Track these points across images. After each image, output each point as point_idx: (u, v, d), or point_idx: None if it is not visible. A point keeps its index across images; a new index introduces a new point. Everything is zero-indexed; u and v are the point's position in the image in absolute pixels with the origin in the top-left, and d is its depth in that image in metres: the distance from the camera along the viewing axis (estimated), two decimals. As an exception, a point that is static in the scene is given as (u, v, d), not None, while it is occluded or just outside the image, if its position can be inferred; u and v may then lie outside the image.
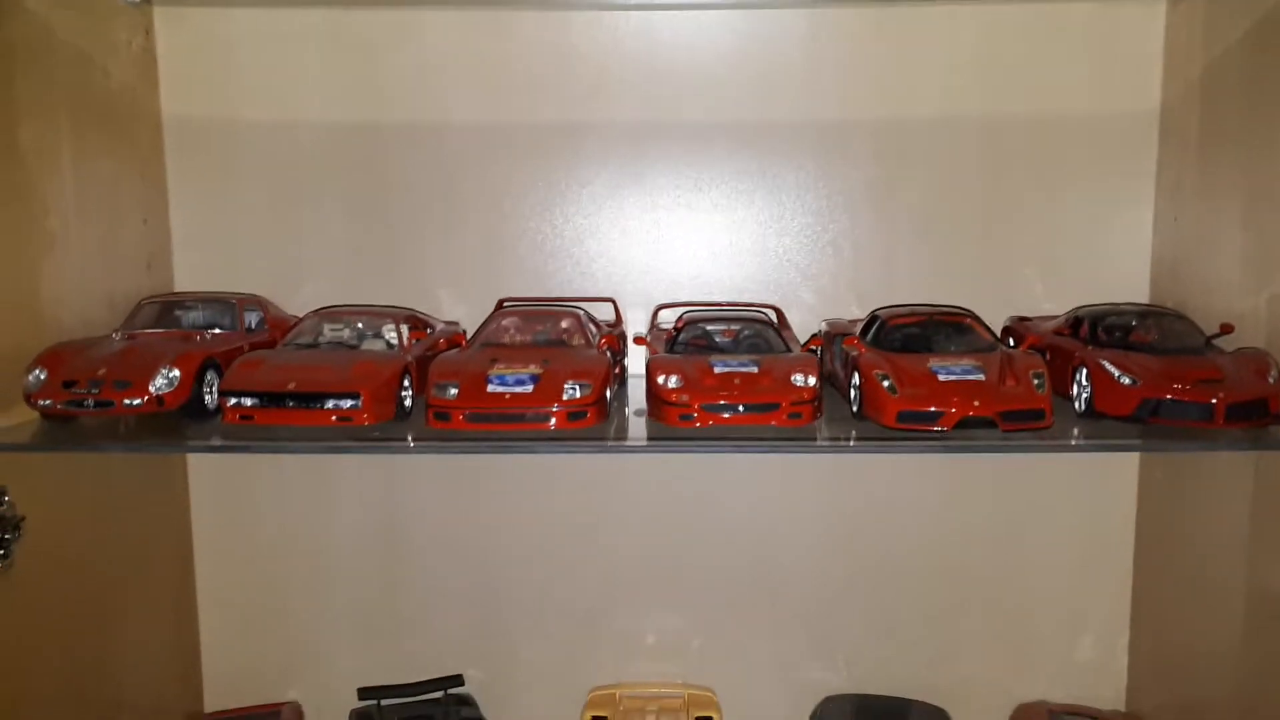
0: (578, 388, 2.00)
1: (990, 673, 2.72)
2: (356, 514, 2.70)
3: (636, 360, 2.30)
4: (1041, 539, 2.68)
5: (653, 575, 2.72)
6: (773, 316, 2.42)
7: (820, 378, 2.09)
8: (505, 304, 2.41)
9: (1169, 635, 2.52)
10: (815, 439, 2.08)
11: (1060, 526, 2.67)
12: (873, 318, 2.32)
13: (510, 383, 2.00)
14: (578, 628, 2.74)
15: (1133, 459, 2.62)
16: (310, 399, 1.95)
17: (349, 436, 1.99)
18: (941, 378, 2.03)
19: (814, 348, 2.31)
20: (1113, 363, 2.07)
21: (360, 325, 2.24)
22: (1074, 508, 2.66)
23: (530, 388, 1.99)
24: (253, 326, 2.29)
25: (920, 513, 2.68)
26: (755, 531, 2.69)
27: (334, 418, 1.95)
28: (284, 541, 2.71)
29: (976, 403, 1.98)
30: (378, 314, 2.28)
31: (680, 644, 2.75)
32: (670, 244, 2.60)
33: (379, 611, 2.74)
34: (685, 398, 2.01)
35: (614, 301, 2.57)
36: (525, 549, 2.71)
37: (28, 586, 2.00)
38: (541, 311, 2.35)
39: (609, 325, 2.46)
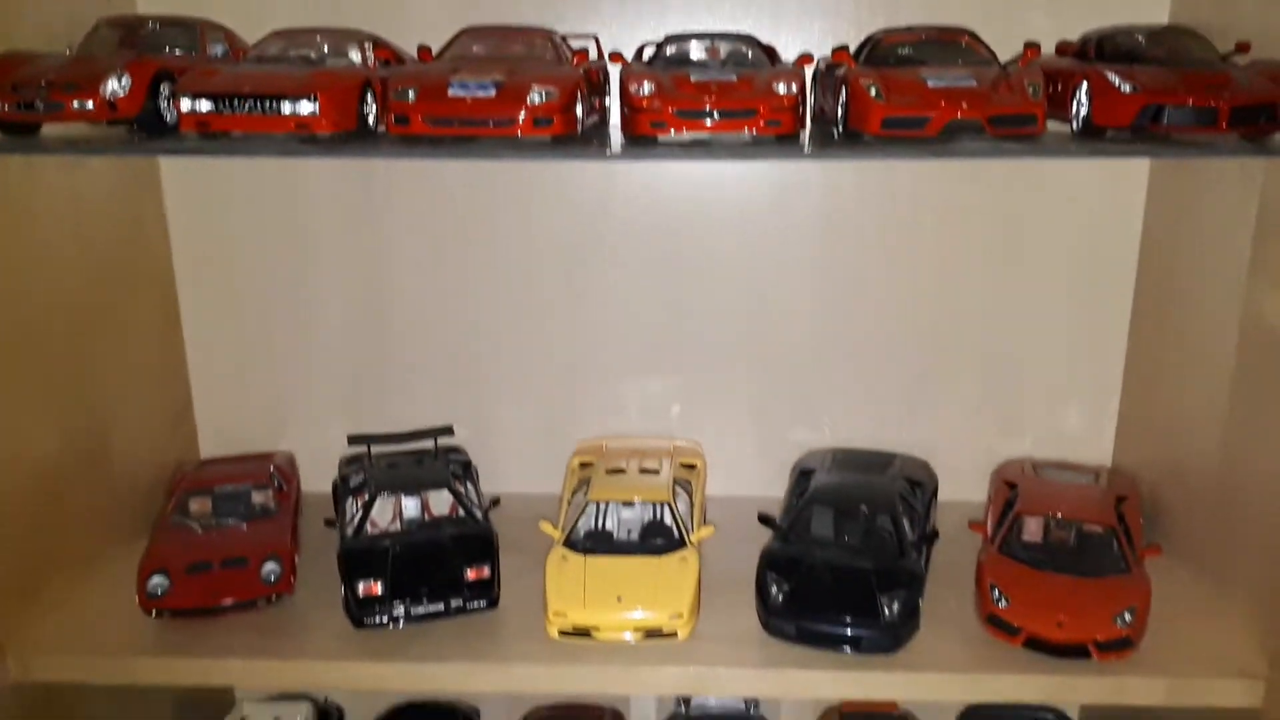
0: (543, 93, 1.91)
1: (976, 434, 2.69)
2: (337, 255, 2.66)
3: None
4: (1036, 288, 2.60)
5: (636, 337, 2.68)
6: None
7: (803, 87, 1.99)
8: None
9: (1160, 395, 2.47)
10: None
11: (1057, 269, 2.58)
12: (867, 39, 2.20)
13: (472, 88, 1.92)
14: (561, 388, 2.73)
15: (1139, 184, 2.50)
16: (267, 101, 1.89)
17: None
18: (931, 84, 1.93)
19: (803, 66, 2.18)
20: (1114, 72, 1.95)
21: (324, 45, 2.15)
22: (1071, 242, 2.56)
23: (493, 92, 1.91)
24: (218, 55, 2.21)
25: (911, 258, 2.59)
26: (743, 283, 2.63)
27: (293, 124, 1.89)
28: (267, 284, 2.69)
29: (964, 105, 1.89)
30: (343, 34, 2.19)
31: (664, 405, 2.73)
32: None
33: (365, 373, 2.74)
34: (658, 104, 1.93)
35: (595, 38, 2.44)
36: (506, 299, 2.67)
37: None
38: (510, 31, 2.24)
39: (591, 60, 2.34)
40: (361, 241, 2.65)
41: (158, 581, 2.12)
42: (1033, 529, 2.22)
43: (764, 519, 2.27)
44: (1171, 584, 2.18)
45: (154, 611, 2.12)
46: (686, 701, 2.78)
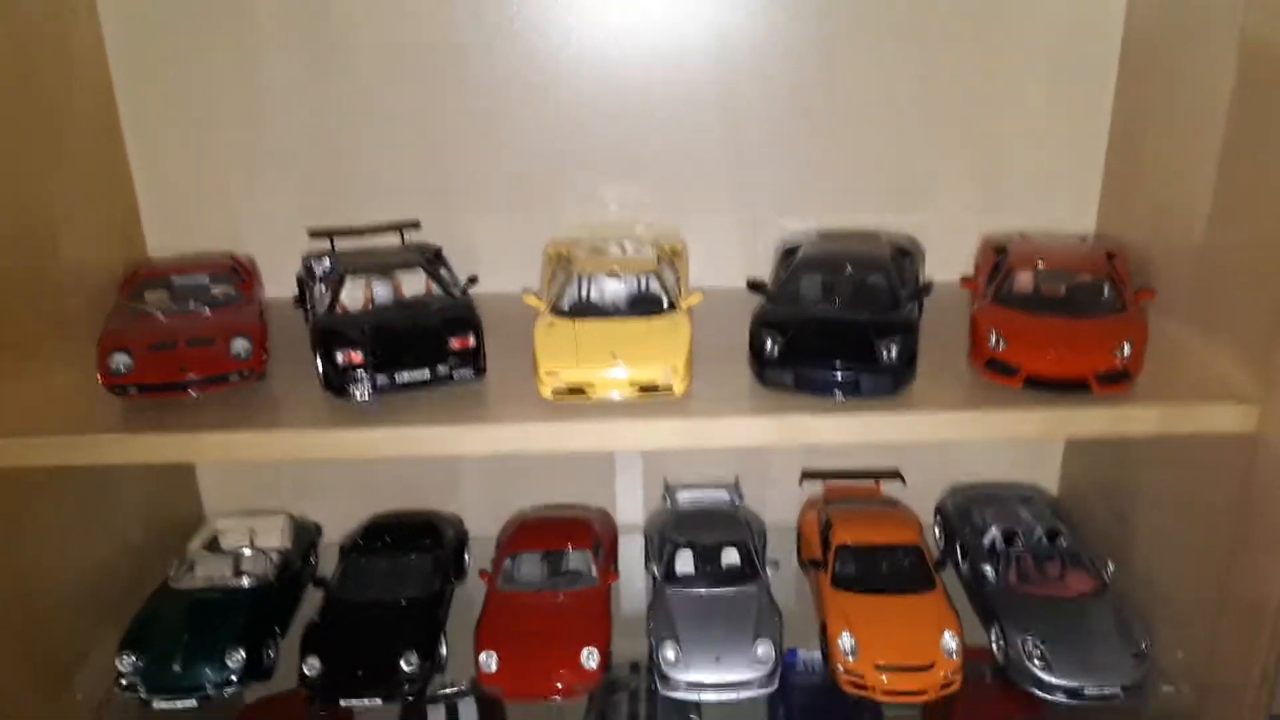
0: None
1: (961, 215, 2.64)
2: (290, 50, 2.48)
3: None
4: (1018, 65, 2.53)
5: (609, 134, 2.56)
6: None
7: None
8: None
9: (1146, 167, 2.43)
10: None
11: (1039, 45, 2.51)
12: None
13: None
14: (534, 189, 2.60)
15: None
16: None
17: None
18: None
19: None
20: None
21: None
22: (1053, 13, 2.49)
23: None
24: None
25: (891, 36, 2.49)
26: (716, 71, 2.51)
27: None
28: (213, 81, 2.51)
29: None
30: None
31: (641, 203, 2.63)
32: None
33: (323, 178, 2.59)
34: None
35: None
36: (473, 98, 2.53)
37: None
38: None
39: None
40: (318, 36, 2.46)
41: (120, 359, 2.00)
42: (1025, 280, 2.19)
43: (753, 284, 2.21)
44: (1162, 331, 2.17)
45: (117, 389, 1.99)
46: (673, 497, 2.76)
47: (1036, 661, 2.25)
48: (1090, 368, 1.96)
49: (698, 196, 2.62)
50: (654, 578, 2.53)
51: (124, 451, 1.94)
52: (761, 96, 2.53)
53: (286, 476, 2.85)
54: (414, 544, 2.60)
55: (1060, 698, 2.24)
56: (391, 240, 2.41)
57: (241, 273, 2.34)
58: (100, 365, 1.99)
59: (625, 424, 1.94)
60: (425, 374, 2.01)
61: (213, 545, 2.63)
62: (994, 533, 2.58)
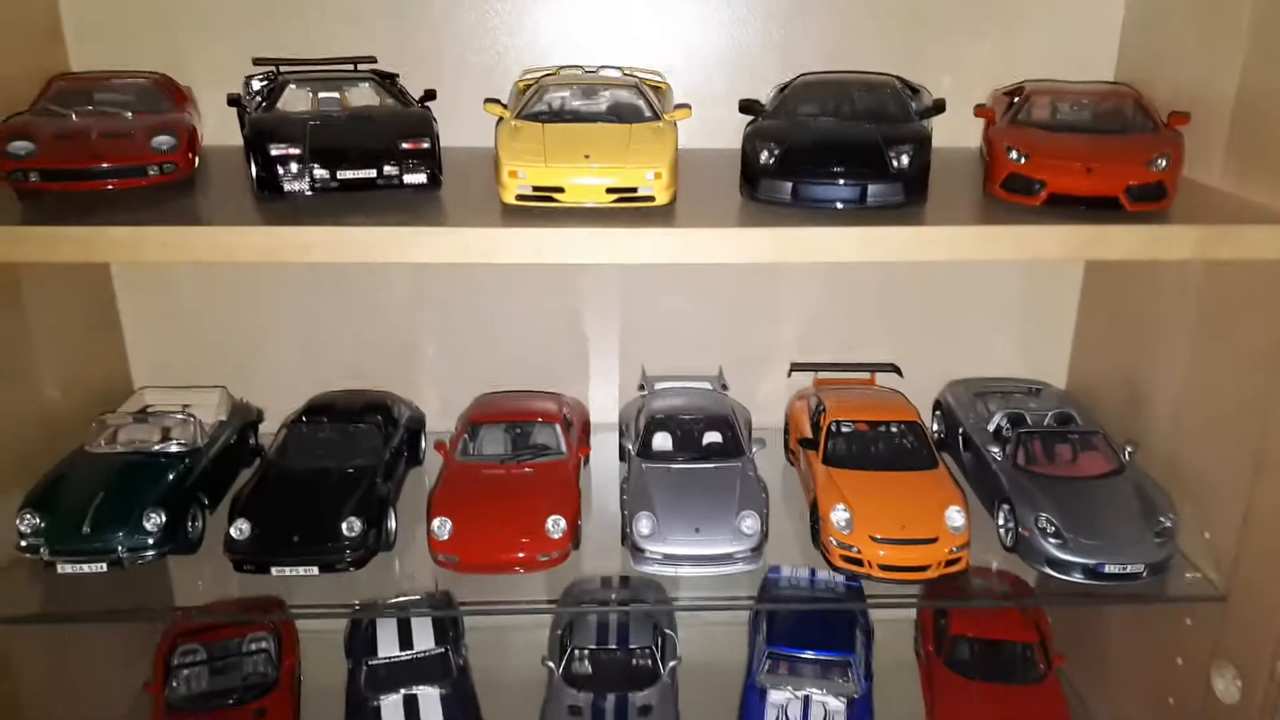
0: None
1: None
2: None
3: None
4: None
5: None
6: None
7: None
8: None
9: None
10: None
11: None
12: None
13: None
14: (499, 17, 2.37)
15: None
16: None
17: None
18: None
19: None
20: None
21: None
22: None
23: None
24: None
25: None
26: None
27: None
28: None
29: None
30: None
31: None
32: None
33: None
34: None
35: None
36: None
37: None
38: None
39: None
40: None
41: (20, 145, 1.74)
42: (1044, 105, 1.98)
43: (746, 104, 1.98)
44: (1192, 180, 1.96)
45: (17, 174, 1.73)
46: (651, 388, 2.53)
47: (1050, 539, 2.03)
48: (1121, 182, 1.75)
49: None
50: (629, 456, 2.29)
51: (20, 248, 1.67)
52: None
53: (228, 356, 2.58)
54: (363, 418, 2.34)
55: (1077, 576, 2.01)
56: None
57: (174, 92, 2.09)
58: (-4, 152, 1.73)
59: (600, 233, 1.70)
60: (372, 173, 1.77)
61: (139, 415, 2.36)
62: (999, 419, 2.37)
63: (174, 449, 2.21)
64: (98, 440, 2.22)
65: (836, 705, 2.36)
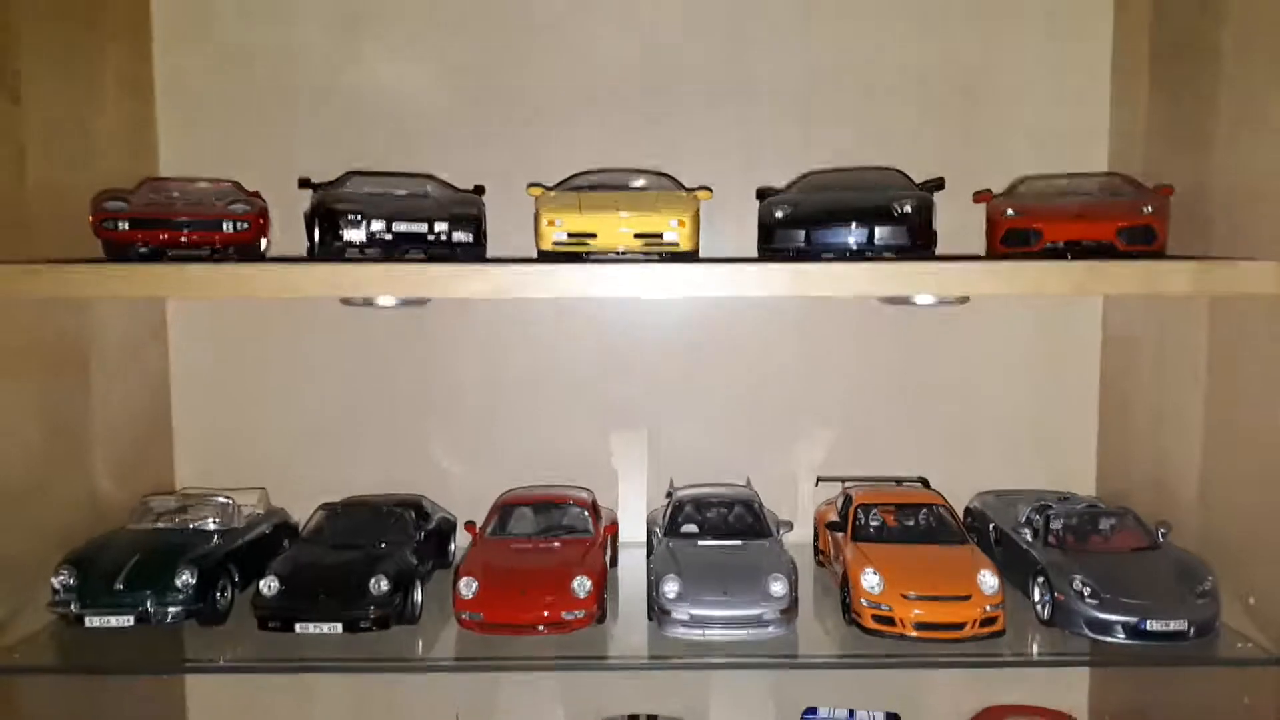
0: None
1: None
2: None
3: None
4: None
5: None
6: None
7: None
8: None
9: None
10: None
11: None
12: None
13: None
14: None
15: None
16: None
17: None
18: None
19: None
20: None
21: None
22: None
23: None
24: None
25: None
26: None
27: None
28: None
29: None
30: None
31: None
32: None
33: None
34: None
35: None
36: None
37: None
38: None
39: None
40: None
41: (114, 204, 1.95)
42: (1040, 184, 2.15)
43: (762, 192, 2.17)
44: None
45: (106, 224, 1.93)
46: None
47: (1088, 600, 1.98)
48: (1112, 225, 1.89)
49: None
50: (656, 539, 2.29)
51: (104, 284, 1.84)
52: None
53: (270, 466, 2.66)
54: (396, 508, 2.38)
55: (1120, 637, 1.95)
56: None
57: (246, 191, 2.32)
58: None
59: (628, 269, 1.85)
60: (423, 228, 1.95)
61: (181, 497, 2.41)
62: (1029, 513, 2.36)
63: (210, 526, 2.25)
64: (140, 519, 2.28)
65: (879, 819, 2.19)
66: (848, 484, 2.64)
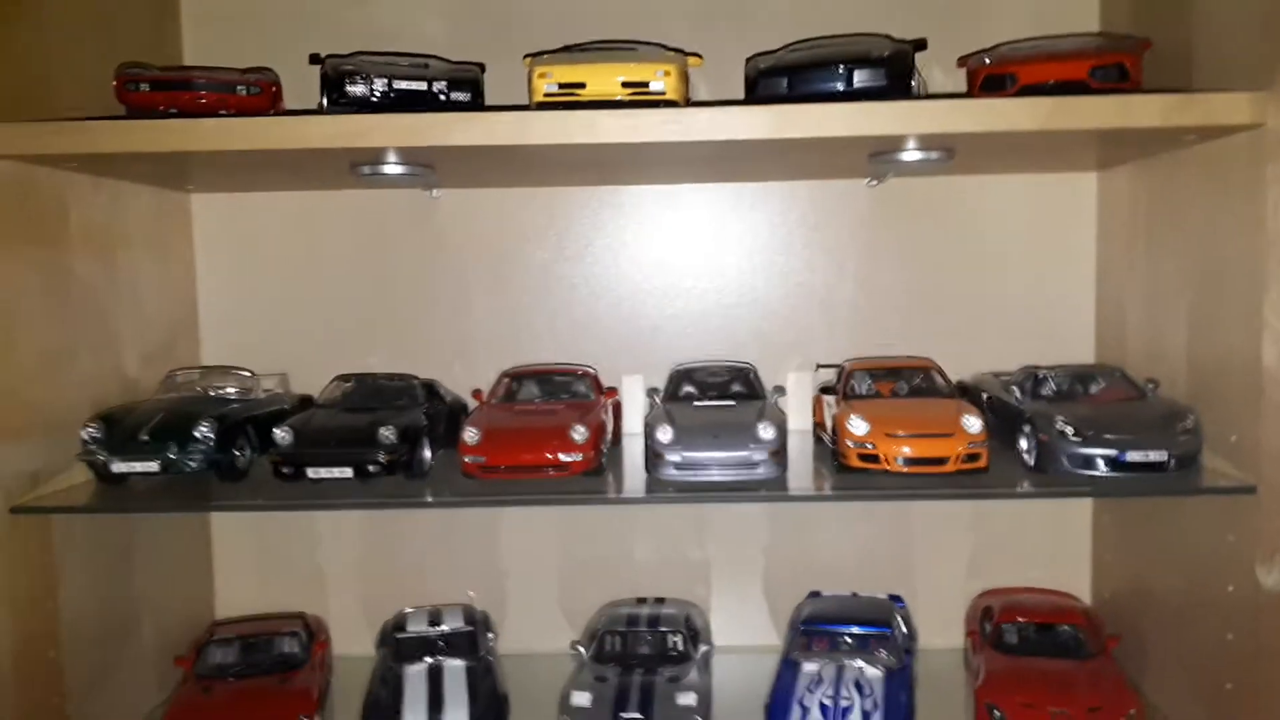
0: None
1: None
2: None
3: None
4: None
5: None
6: None
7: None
8: None
9: None
10: None
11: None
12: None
13: None
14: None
15: None
16: None
17: None
18: None
19: None
20: None
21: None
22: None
23: None
24: None
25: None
26: None
27: None
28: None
29: None
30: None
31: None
32: None
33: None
34: None
35: None
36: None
37: None
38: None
39: None
40: None
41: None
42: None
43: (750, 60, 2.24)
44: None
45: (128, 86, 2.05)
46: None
47: (1071, 438, 2.03)
48: (1085, 66, 1.94)
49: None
50: (653, 404, 2.37)
51: (125, 138, 1.96)
52: None
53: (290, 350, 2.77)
54: (406, 379, 2.48)
55: (1102, 470, 2.00)
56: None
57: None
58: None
59: (613, 114, 1.93)
60: (423, 86, 2.04)
61: (206, 369, 2.54)
62: (1020, 378, 2.40)
63: (232, 393, 2.37)
64: (166, 389, 2.40)
65: (874, 673, 2.25)
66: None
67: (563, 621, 2.75)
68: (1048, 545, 2.76)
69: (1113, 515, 2.63)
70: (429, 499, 2.18)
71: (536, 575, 2.82)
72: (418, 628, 2.48)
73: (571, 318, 2.74)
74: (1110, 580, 2.66)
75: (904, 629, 2.46)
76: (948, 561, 2.78)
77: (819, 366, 2.70)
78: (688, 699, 2.21)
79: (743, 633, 2.76)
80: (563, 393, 2.39)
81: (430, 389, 2.49)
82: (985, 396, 2.44)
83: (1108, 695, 2.16)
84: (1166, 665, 2.32)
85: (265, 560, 2.82)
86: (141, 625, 2.48)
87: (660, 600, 2.64)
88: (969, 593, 2.72)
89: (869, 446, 2.04)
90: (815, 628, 2.42)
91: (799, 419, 2.59)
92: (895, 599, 2.61)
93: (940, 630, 2.69)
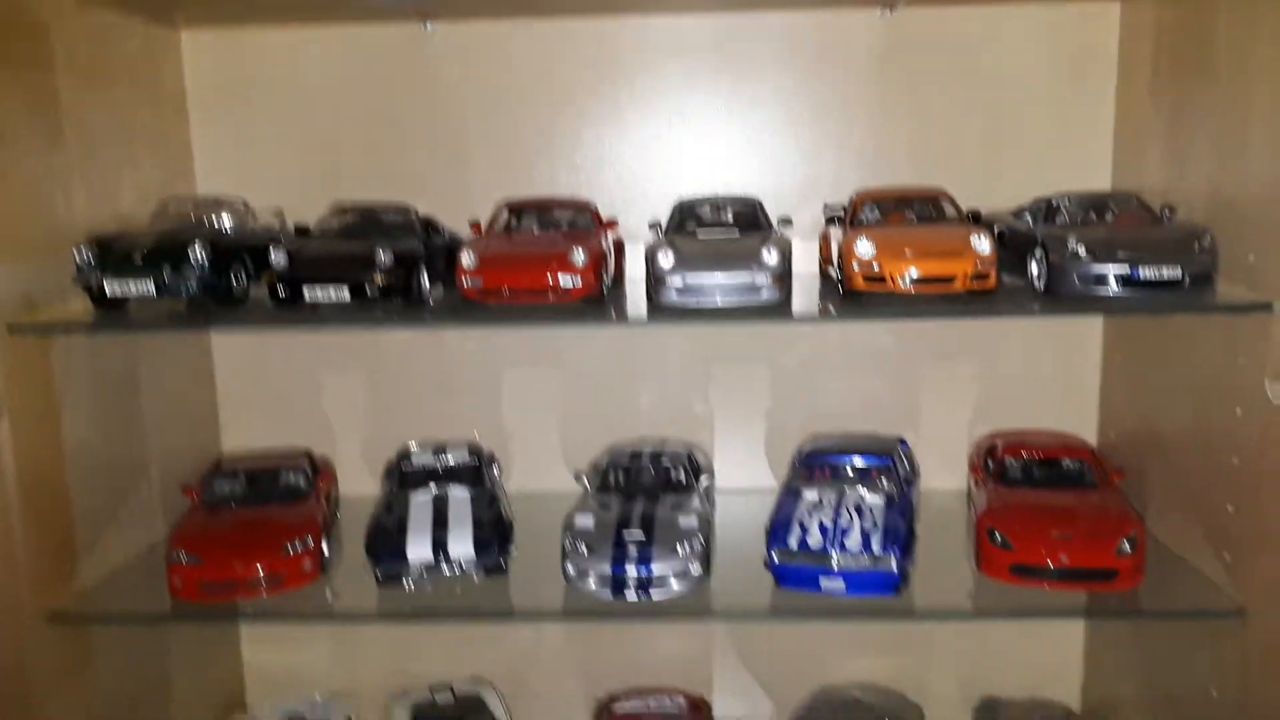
0: None
1: None
2: None
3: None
4: None
5: None
6: None
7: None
8: None
9: None
10: None
11: None
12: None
13: None
14: None
15: None
16: None
17: None
18: None
19: None
20: None
21: None
22: None
23: None
24: None
25: None
26: None
27: None
28: None
29: None
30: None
31: None
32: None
33: None
34: None
35: None
36: None
37: None
38: None
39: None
40: None
41: None
42: None
43: None
44: None
45: None
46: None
47: (1083, 255, 1.97)
48: None
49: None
50: (656, 237, 2.32)
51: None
52: None
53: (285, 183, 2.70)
54: (404, 208, 2.42)
55: (1114, 289, 1.95)
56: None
57: None
58: None
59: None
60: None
61: (201, 200, 2.49)
62: (1033, 205, 2.33)
63: (227, 222, 2.33)
64: (159, 217, 2.36)
65: (874, 500, 2.26)
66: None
67: (566, 470, 2.75)
68: (1055, 389, 2.73)
69: (1123, 353, 2.60)
70: (426, 319, 2.14)
71: (540, 422, 2.81)
72: (423, 459, 2.50)
73: (571, 159, 2.66)
74: (1117, 422, 2.65)
75: (906, 464, 2.46)
76: (953, 406, 2.75)
77: (827, 205, 2.64)
78: (689, 521, 2.23)
79: (746, 476, 2.77)
80: (563, 223, 2.34)
81: (429, 224, 2.44)
82: (998, 230, 2.38)
83: (1109, 518, 2.16)
84: (1169, 498, 2.32)
85: (269, 404, 2.82)
86: (147, 458, 2.50)
87: (664, 441, 2.65)
88: (974, 437, 2.71)
89: (875, 267, 2.00)
90: (818, 459, 2.42)
91: (805, 261, 2.54)
92: (900, 442, 2.61)
93: (944, 473, 2.70)
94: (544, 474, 2.77)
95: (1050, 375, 2.72)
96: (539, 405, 2.81)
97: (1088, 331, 2.68)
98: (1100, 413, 2.72)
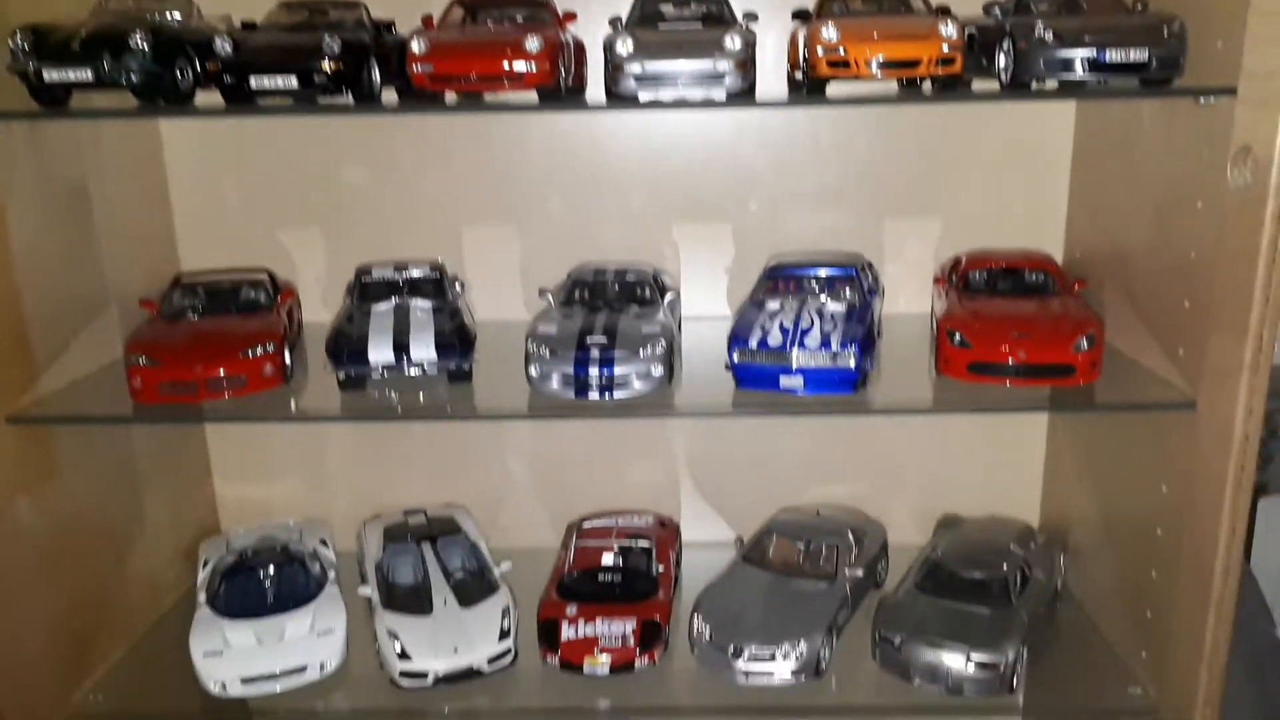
0: None
1: None
2: None
3: None
4: None
5: None
6: None
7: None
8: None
9: None
10: None
11: None
12: None
13: None
14: None
15: None
16: None
17: None
18: None
19: None
20: None
21: None
22: None
23: None
24: None
25: None
26: None
27: None
28: None
29: None
30: None
31: None
32: None
33: None
34: None
35: None
36: None
37: None
38: None
39: None
40: None
41: None
42: None
43: None
44: None
45: None
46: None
47: (1050, 39, 1.92)
48: None
49: None
50: (615, 29, 2.21)
51: None
52: None
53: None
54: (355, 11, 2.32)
55: (1080, 72, 1.91)
56: None
57: None
58: None
59: None
60: None
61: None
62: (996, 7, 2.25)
63: (171, 15, 2.22)
64: (100, 10, 2.25)
65: (835, 307, 2.25)
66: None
67: (528, 305, 2.71)
68: (1020, 212, 2.70)
69: (1089, 168, 2.56)
70: (375, 107, 2.09)
71: (501, 256, 2.76)
72: (384, 273, 2.47)
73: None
74: (1082, 240, 2.63)
75: (870, 277, 2.45)
76: (918, 236, 2.72)
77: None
78: (652, 328, 2.22)
79: (711, 304, 2.76)
80: (518, 18, 2.26)
81: (383, 24, 2.35)
82: (968, 32, 2.31)
83: (1069, 319, 2.17)
84: (1131, 305, 2.32)
85: (227, 234, 2.77)
86: (103, 275, 2.45)
87: (630, 262, 2.62)
88: (942, 256, 2.69)
89: (841, 51, 1.94)
90: (782, 272, 2.41)
91: (775, 73, 2.47)
92: (866, 262, 2.59)
93: (911, 301, 2.70)
94: (506, 306, 2.75)
95: (1019, 200, 2.68)
96: (501, 244, 2.76)
97: (1055, 158, 2.63)
98: (1066, 230, 2.70)
